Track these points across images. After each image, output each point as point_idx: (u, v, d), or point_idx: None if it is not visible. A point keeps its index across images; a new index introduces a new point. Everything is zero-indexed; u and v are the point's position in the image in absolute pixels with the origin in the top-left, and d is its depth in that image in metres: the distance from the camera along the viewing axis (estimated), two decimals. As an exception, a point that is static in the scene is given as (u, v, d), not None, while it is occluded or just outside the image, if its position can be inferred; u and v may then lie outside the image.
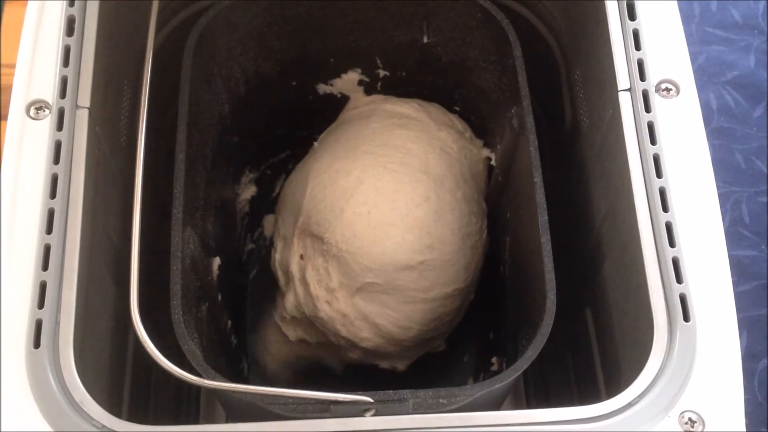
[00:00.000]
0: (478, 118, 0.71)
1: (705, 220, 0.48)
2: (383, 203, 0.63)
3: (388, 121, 0.69)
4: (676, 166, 0.49)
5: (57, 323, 0.45)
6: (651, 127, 0.51)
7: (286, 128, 0.76)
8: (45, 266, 0.46)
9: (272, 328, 0.72)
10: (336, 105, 0.74)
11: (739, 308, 0.89)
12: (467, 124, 0.71)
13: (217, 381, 0.47)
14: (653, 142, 0.50)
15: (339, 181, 0.65)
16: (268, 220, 0.78)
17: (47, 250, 0.47)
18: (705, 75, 1.01)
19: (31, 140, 0.50)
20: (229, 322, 0.66)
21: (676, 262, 0.47)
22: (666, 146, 0.50)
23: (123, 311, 0.48)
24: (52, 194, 0.48)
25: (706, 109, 0.99)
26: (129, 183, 0.52)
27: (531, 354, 0.50)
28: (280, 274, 0.70)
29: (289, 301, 0.68)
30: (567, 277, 0.57)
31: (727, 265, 0.47)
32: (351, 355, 0.66)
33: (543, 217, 0.54)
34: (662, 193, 0.48)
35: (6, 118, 0.51)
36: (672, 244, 0.47)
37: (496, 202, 0.68)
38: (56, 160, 0.49)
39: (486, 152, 0.70)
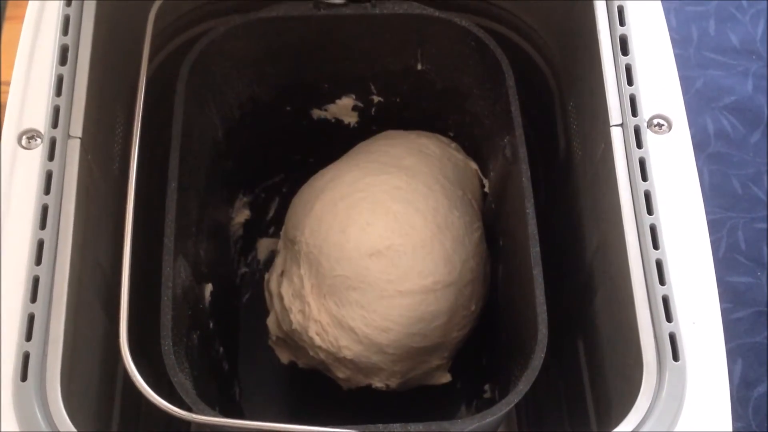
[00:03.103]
0: (472, 144, 0.71)
1: (695, 258, 0.48)
2: (352, 194, 0.64)
3: (373, 138, 0.70)
4: (667, 203, 0.49)
5: (45, 356, 0.45)
6: (642, 163, 0.51)
7: (280, 152, 0.76)
8: (33, 298, 0.46)
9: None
10: (330, 130, 0.74)
11: (735, 335, 0.90)
12: (461, 149, 0.71)
13: (208, 414, 0.47)
14: (644, 178, 0.50)
15: (313, 183, 0.67)
16: (262, 244, 0.78)
17: (36, 281, 0.47)
18: (702, 100, 1.01)
19: (22, 170, 0.50)
20: (221, 349, 0.66)
21: (666, 300, 0.47)
22: (657, 183, 0.50)
23: (112, 342, 0.48)
24: (42, 225, 0.48)
25: (702, 134, 0.99)
26: (121, 211, 0.52)
27: (522, 388, 0.50)
28: (267, 295, 0.70)
29: (271, 320, 0.68)
30: (559, 306, 0.57)
31: (717, 305, 0.47)
32: (339, 375, 0.65)
33: (535, 249, 0.54)
34: (653, 230, 0.48)
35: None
36: (662, 281, 0.47)
37: (489, 230, 0.68)
38: (47, 190, 0.50)
39: (479, 171, 0.70)
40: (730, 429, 0.44)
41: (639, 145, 0.51)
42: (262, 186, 0.78)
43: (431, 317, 0.63)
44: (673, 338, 0.46)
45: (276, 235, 0.76)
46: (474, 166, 0.70)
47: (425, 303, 0.63)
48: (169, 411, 0.45)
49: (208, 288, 0.64)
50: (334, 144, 0.73)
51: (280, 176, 0.78)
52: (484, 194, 0.70)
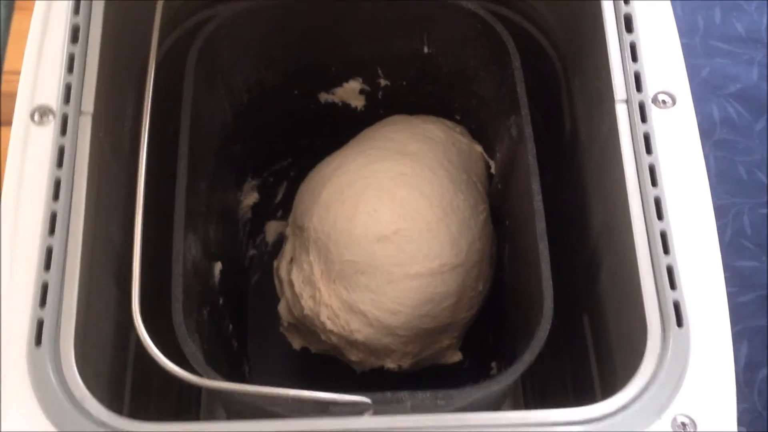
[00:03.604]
0: (478, 126, 0.71)
1: (700, 229, 0.49)
2: (358, 181, 0.65)
3: (378, 124, 0.71)
4: (672, 176, 0.50)
5: (58, 322, 0.46)
6: (647, 137, 0.51)
7: (288, 136, 0.76)
8: (47, 267, 0.47)
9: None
10: (337, 114, 0.75)
11: (740, 319, 0.90)
12: (467, 132, 0.72)
13: (218, 381, 0.48)
14: (649, 152, 0.51)
15: (320, 171, 0.68)
16: (270, 227, 0.79)
17: (49, 251, 0.47)
18: (708, 88, 1.02)
19: (35, 145, 0.51)
20: (231, 327, 0.67)
21: (670, 270, 0.47)
22: (662, 156, 0.51)
23: (124, 313, 0.48)
24: (55, 197, 0.49)
25: (708, 122, 1.00)
26: (131, 188, 0.52)
27: (528, 358, 0.50)
28: (276, 282, 0.71)
29: (282, 306, 0.69)
30: (565, 283, 0.57)
31: (721, 273, 0.47)
32: (352, 357, 0.66)
33: (541, 224, 0.55)
34: (657, 202, 0.49)
35: (9, 124, 0.52)
36: (666, 251, 0.48)
37: (496, 211, 0.68)
38: (59, 164, 0.50)
39: (484, 153, 0.70)
40: (734, 391, 0.44)
41: (643, 119, 0.52)
42: (270, 170, 0.79)
43: (440, 299, 0.64)
44: (677, 306, 0.46)
45: (284, 218, 0.77)
46: (479, 149, 0.71)
47: (433, 285, 0.64)
48: (180, 375, 0.45)
49: (218, 266, 0.65)
50: (341, 128, 0.74)
51: (288, 160, 0.79)
52: (490, 176, 0.71)
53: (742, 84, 1.02)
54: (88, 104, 0.53)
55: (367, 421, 0.44)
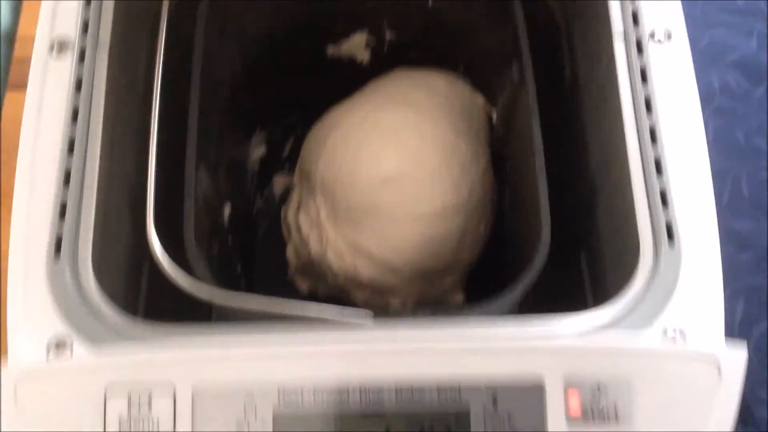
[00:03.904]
0: (481, 78, 0.73)
1: (692, 154, 0.50)
2: (362, 128, 0.67)
3: (383, 77, 0.74)
4: (666, 105, 0.52)
5: (76, 236, 0.48)
6: (643, 70, 0.53)
7: (295, 91, 0.78)
8: (66, 185, 0.49)
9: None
10: (344, 69, 0.76)
11: (737, 277, 0.92)
12: (471, 84, 0.74)
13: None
14: (645, 82, 0.52)
15: (326, 120, 0.71)
16: (278, 180, 0.81)
17: (68, 171, 0.49)
18: (708, 57, 1.03)
19: (53, 76, 0.53)
20: (239, 267, 0.69)
21: (663, 192, 0.49)
22: (657, 87, 0.52)
23: (139, 236, 0.50)
24: (73, 120, 0.51)
25: (708, 89, 1.01)
26: (145, 127, 0.54)
27: (528, 281, 0.52)
28: (284, 229, 0.73)
29: (290, 251, 0.71)
30: (564, 223, 0.59)
31: (712, 196, 0.49)
32: (359, 296, 0.68)
33: (540, 159, 0.56)
34: (652, 129, 0.51)
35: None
36: (660, 174, 0.50)
37: (497, 157, 0.70)
38: (77, 93, 0.52)
39: (486, 104, 0.72)
40: (722, 306, 0.46)
41: (640, 52, 0.53)
42: (278, 124, 0.81)
43: (441, 239, 0.66)
44: (669, 225, 0.48)
45: (291, 172, 0.79)
46: (481, 99, 0.73)
47: (435, 226, 0.66)
48: (189, 289, 0.47)
49: (227, 208, 0.67)
50: (347, 84, 0.76)
51: (296, 116, 0.81)
52: (492, 126, 0.73)
53: (741, 53, 1.03)
54: (105, 38, 0.55)
55: (368, 332, 0.46)
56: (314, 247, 0.68)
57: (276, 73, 0.76)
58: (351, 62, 0.77)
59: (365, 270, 0.66)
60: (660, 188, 0.49)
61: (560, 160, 0.63)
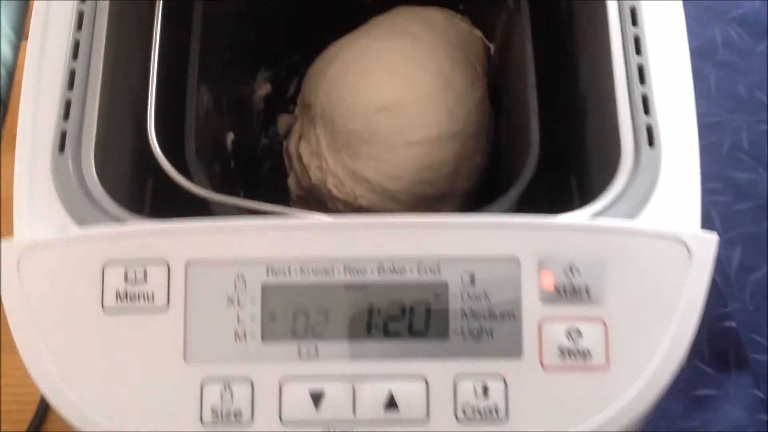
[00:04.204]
0: (480, 16, 0.75)
1: (674, 64, 0.52)
2: (361, 58, 0.70)
3: (383, 14, 0.76)
4: (651, 18, 0.53)
5: (80, 134, 0.50)
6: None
7: (299, 30, 0.80)
8: (70, 86, 0.51)
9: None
10: (344, 7, 0.78)
11: (735, 225, 0.93)
12: (469, 20, 0.76)
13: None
14: (631, -3, 0.54)
15: (327, 53, 0.73)
16: (282, 119, 0.83)
17: (72, 73, 0.52)
18: (711, 12, 1.05)
19: None
20: (242, 193, 0.71)
21: (645, 98, 0.51)
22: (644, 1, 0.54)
23: (143, 149, 0.52)
24: (78, 26, 0.53)
25: (710, 44, 1.03)
26: (148, 39, 0.56)
27: (516, 191, 0.54)
28: (286, 159, 0.75)
29: (291, 179, 0.74)
30: (555, 149, 0.61)
31: (692, 105, 0.51)
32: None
33: (531, 78, 0.58)
34: (637, 39, 0.52)
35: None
36: (643, 81, 0.51)
37: (495, 88, 0.72)
38: (81, 2, 0.54)
39: (483, 38, 0.74)
40: (698, 203, 0.47)
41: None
42: (283, 64, 0.83)
43: (438, 165, 0.68)
44: (650, 129, 0.50)
45: (295, 112, 0.81)
46: (478, 33, 0.75)
47: (432, 152, 0.68)
48: (189, 188, 0.49)
49: (230, 136, 0.69)
50: (350, 22, 0.77)
51: (300, 56, 0.83)
52: (490, 59, 0.74)
53: (744, 9, 1.04)
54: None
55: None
56: (315, 174, 0.70)
57: (279, 10, 0.77)
58: (355, 3, 0.78)
59: (364, 197, 0.68)
60: (642, 94, 0.50)
61: (553, 87, 0.65)
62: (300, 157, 0.72)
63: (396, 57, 0.69)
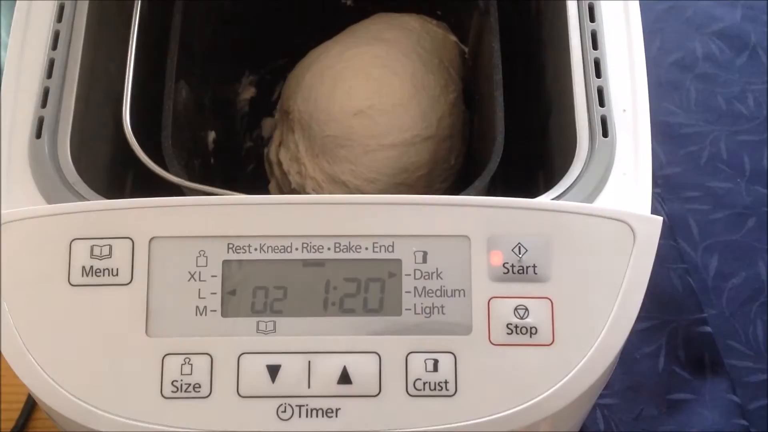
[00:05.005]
0: (457, 21, 0.77)
1: (630, 60, 0.54)
2: (336, 65, 0.72)
3: (361, 21, 0.78)
4: (608, 14, 0.55)
5: (57, 121, 0.52)
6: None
7: (283, 34, 0.83)
8: (49, 75, 0.53)
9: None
10: (329, 13, 0.81)
11: (713, 233, 0.95)
12: (445, 25, 0.78)
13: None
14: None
15: (304, 61, 0.75)
16: (266, 123, 0.85)
17: (51, 62, 0.54)
18: (692, 26, 1.07)
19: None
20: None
21: (600, 90, 0.53)
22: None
23: (121, 130, 0.54)
24: (59, 18, 0.55)
25: (691, 57, 1.05)
26: (128, 31, 0.58)
27: (481, 183, 0.56)
28: (267, 166, 0.77)
29: (272, 185, 0.76)
30: (523, 149, 0.63)
31: (646, 98, 0.53)
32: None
33: (497, 76, 0.60)
34: (593, 34, 0.54)
35: None
36: (598, 75, 0.53)
37: (469, 90, 0.74)
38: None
39: (459, 43, 0.76)
40: (650, 189, 0.49)
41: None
42: (268, 68, 0.85)
43: (414, 168, 0.70)
44: (603, 120, 0.52)
45: (280, 116, 0.83)
46: (453, 38, 0.77)
47: (407, 155, 0.70)
48: (159, 173, 0.51)
49: (212, 134, 0.71)
50: (332, 28, 0.80)
51: (285, 60, 0.85)
52: (465, 63, 0.76)
53: (725, 23, 1.07)
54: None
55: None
56: (294, 179, 0.72)
57: (264, 13, 0.80)
58: (335, 2, 0.80)
59: None
60: (597, 87, 0.52)
61: (523, 86, 0.67)
62: (280, 163, 0.74)
63: (370, 62, 0.72)
